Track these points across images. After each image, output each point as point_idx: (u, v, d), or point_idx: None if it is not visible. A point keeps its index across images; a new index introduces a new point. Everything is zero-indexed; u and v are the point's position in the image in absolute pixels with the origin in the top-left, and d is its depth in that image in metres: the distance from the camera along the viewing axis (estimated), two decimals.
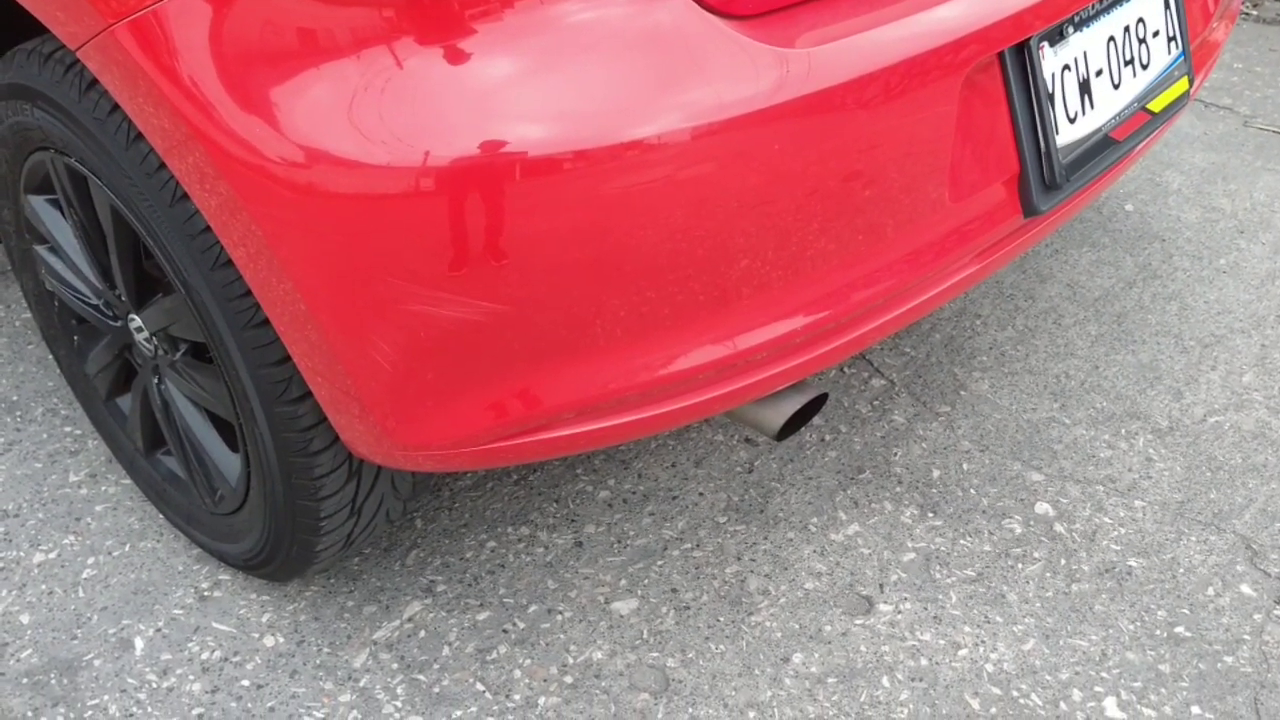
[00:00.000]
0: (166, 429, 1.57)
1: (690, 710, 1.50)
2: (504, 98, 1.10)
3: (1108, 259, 2.35)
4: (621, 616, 1.62)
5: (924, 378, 2.04)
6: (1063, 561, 1.70)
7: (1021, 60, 1.35)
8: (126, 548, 1.71)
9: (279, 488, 1.36)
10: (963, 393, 2.01)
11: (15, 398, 1.98)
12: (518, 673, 1.54)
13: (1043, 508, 1.79)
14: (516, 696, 1.51)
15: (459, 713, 1.49)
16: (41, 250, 1.60)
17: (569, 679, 1.54)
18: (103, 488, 1.81)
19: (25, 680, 1.53)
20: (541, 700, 1.51)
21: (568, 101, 1.12)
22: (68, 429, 1.92)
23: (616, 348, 1.23)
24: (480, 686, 1.53)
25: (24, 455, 1.87)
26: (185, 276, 1.26)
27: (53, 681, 1.53)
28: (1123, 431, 1.93)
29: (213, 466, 1.52)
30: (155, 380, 1.55)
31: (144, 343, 1.51)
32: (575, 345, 1.21)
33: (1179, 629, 1.61)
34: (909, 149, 1.27)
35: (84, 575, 1.67)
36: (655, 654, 1.57)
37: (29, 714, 1.49)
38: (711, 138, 1.14)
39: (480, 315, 1.14)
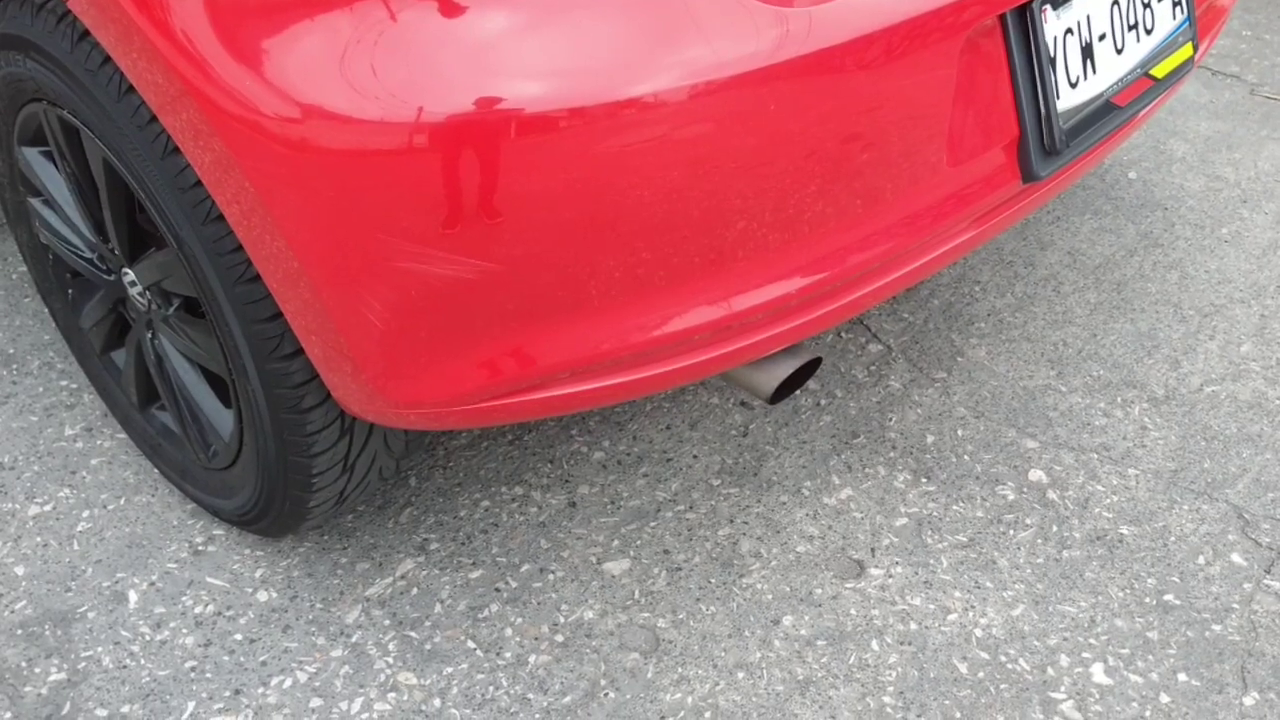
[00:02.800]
0: (160, 384, 1.57)
1: (680, 670, 1.51)
2: (500, 53, 1.09)
3: (1109, 226, 2.33)
4: (613, 577, 1.63)
5: (921, 343, 2.04)
6: (1054, 528, 1.71)
7: (1023, 22, 1.34)
8: (121, 501, 1.72)
9: (271, 444, 1.36)
10: (959, 359, 2.00)
11: (11, 351, 1.98)
12: (509, 631, 1.55)
13: (1036, 475, 1.79)
14: (507, 654, 1.52)
15: (450, 669, 1.50)
16: (36, 203, 1.60)
17: (560, 638, 1.54)
18: (98, 441, 1.81)
19: (20, 631, 1.54)
20: (532, 658, 1.52)
21: (564, 58, 1.10)
22: (64, 383, 1.92)
23: (611, 308, 1.22)
24: (471, 644, 1.54)
25: (20, 408, 1.87)
26: (177, 231, 1.25)
27: (47, 633, 1.54)
28: (1119, 400, 1.93)
29: (206, 422, 1.52)
30: (149, 335, 1.54)
31: (138, 297, 1.50)
32: (569, 305, 1.21)
33: (1168, 597, 1.62)
34: (908, 111, 1.26)
35: (79, 528, 1.68)
36: (646, 614, 1.58)
37: (23, 665, 1.50)
38: (709, 97, 1.13)
39: (473, 273, 1.14)
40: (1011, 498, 1.76)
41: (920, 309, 2.11)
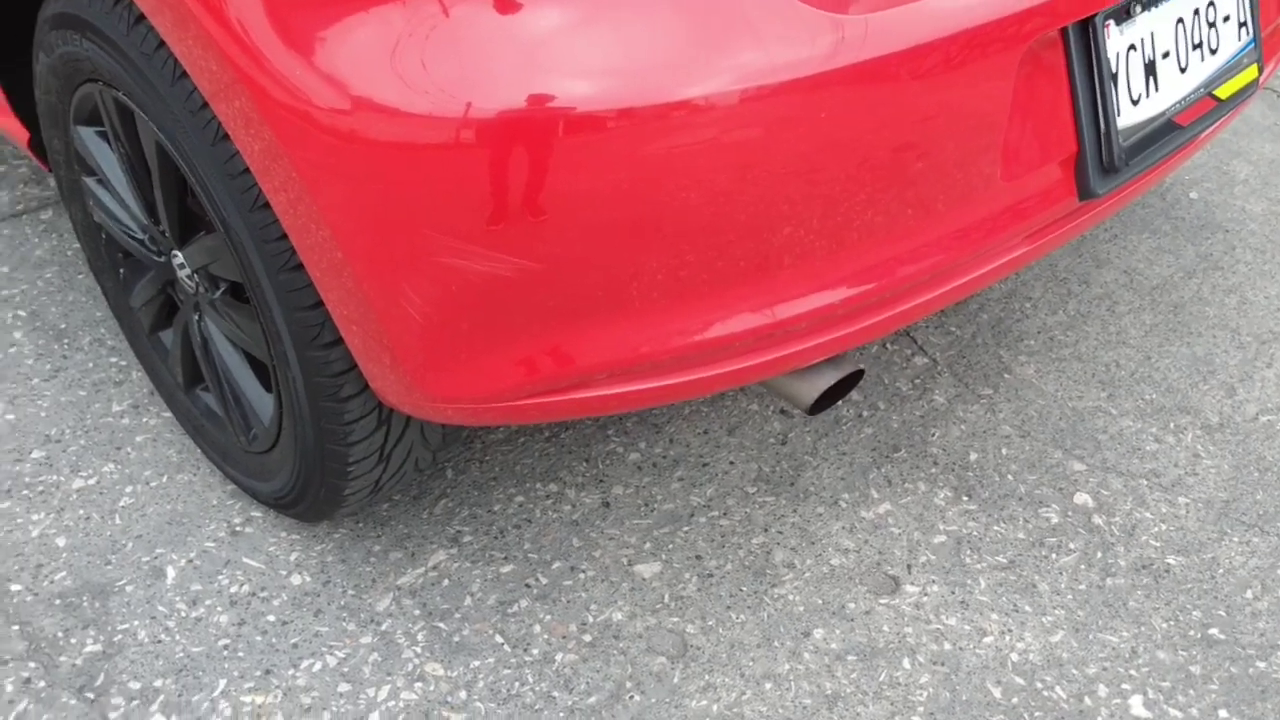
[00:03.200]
0: (205, 366, 1.58)
1: (706, 677, 1.50)
2: (552, 51, 1.09)
3: (1168, 247, 2.28)
4: (644, 579, 1.62)
5: (968, 358, 2.00)
6: (1099, 555, 1.67)
7: (1086, 37, 1.31)
8: (164, 479, 1.74)
9: (309, 431, 1.37)
10: (1007, 376, 1.97)
11: (64, 325, 2.01)
12: (537, 628, 1.55)
13: (1082, 498, 1.76)
14: (534, 651, 1.52)
15: (477, 663, 1.50)
16: (90, 182, 1.62)
17: (587, 637, 1.54)
18: (144, 419, 1.83)
19: (58, 602, 1.56)
20: (559, 656, 1.51)
21: (617, 57, 1.10)
22: (113, 359, 1.94)
23: (652, 310, 1.22)
24: (499, 639, 1.53)
25: (69, 383, 1.90)
26: (224, 216, 1.26)
27: (85, 604, 1.56)
28: (1171, 425, 1.88)
29: (248, 405, 1.53)
30: (196, 317, 1.56)
31: (186, 279, 1.52)
32: (610, 306, 1.20)
33: (1213, 630, 1.57)
34: (963, 123, 1.24)
35: (121, 503, 1.70)
36: (675, 619, 1.57)
37: (60, 635, 1.52)
38: (761, 101, 1.12)
39: (515, 271, 1.13)
40: (1055, 521, 1.72)
41: (969, 323, 2.08)
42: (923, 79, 1.19)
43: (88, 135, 1.55)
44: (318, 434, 1.36)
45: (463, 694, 1.47)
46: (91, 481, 1.74)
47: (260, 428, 1.52)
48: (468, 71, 1.07)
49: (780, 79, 1.13)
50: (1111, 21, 1.33)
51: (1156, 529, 1.71)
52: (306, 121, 1.08)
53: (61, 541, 1.65)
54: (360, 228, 1.12)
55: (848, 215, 1.23)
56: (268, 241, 1.23)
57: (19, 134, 1.79)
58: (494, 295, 1.16)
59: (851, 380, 1.38)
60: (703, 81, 1.10)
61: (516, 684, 1.48)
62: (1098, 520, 1.72)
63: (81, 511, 1.69)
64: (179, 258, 1.50)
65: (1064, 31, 1.29)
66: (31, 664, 1.49)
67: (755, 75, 1.11)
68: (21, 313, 2.05)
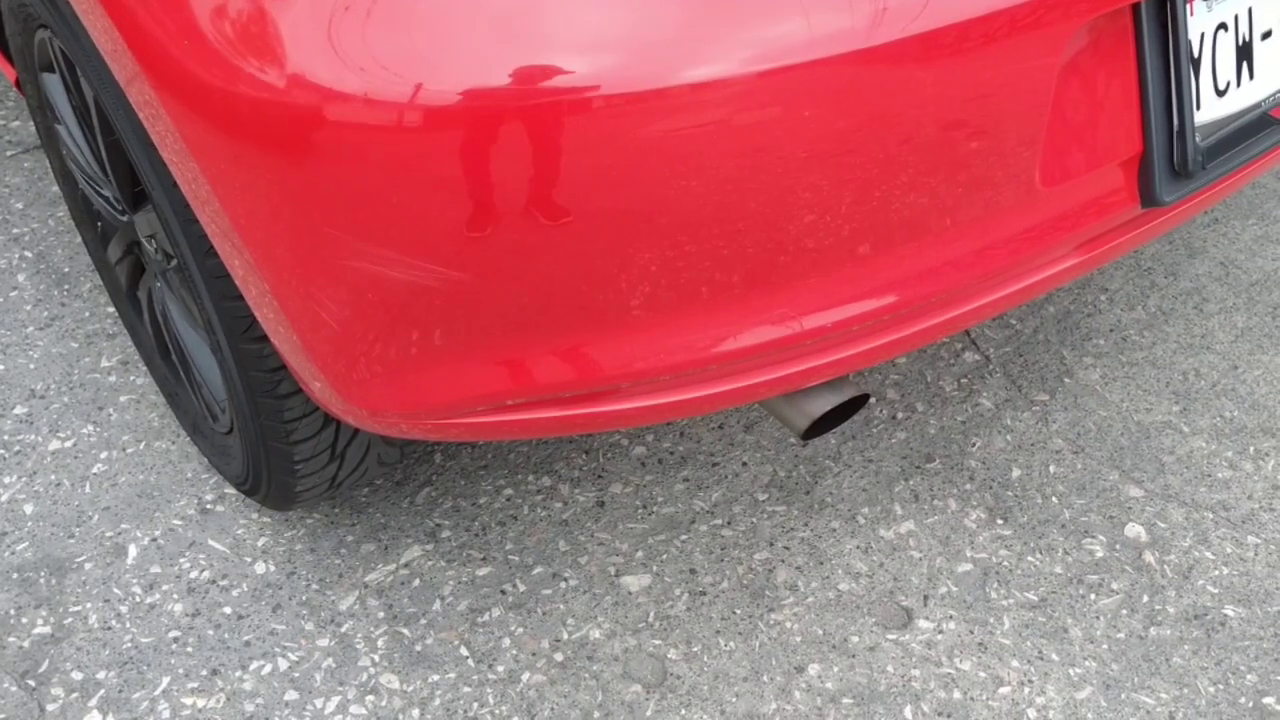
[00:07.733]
0: (167, 335, 1.48)
1: (683, 711, 1.36)
2: (536, 21, 0.93)
3: (1276, 237, 2.02)
4: (630, 594, 1.48)
5: (1025, 357, 1.79)
6: (1145, 598, 1.48)
7: (1162, 14, 1.08)
8: (141, 446, 1.65)
9: (250, 425, 1.25)
10: (1067, 380, 1.76)
11: (67, 269, 1.93)
12: (507, 641, 1.43)
13: (1134, 530, 1.56)
14: (500, 668, 1.40)
15: (436, 677, 1.39)
16: (61, 130, 1.51)
17: (559, 656, 1.41)
18: (131, 377, 1.75)
19: (15, 575, 1.49)
20: (525, 676, 1.39)
21: (611, 28, 0.93)
22: (110, 309, 1.86)
23: (644, 325, 1.06)
24: (464, 651, 1.42)
25: (63, 333, 1.82)
26: (150, 187, 1.13)
27: (41, 581, 1.49)
28: (1251, 450, 1.66)
29: (206, 384, 1.42)
30: (159, 284, 1.45)
31: (147, 243, 1.41)
32: (594, 318, 1.05)
33: (1268, 700, 1.38)
34: (1003, 116, 1.04)
35: (94, 470, 1.62)
36: (658, 641, 1.43)
37: (12, 613, 1.45)
38: (776, 81, 0.95)
39: (439, 282, 0.98)
40: (1100, 555, 1.53)
41: (1031, 316, 1.86)
42: (950, 62, 0.99)
43: (51, 82, 1.43)
44: (259, 430, 1.24)
45: (415, 712, 1.36)
46: (69, 444, 1.66)
47: (218, 409, 1.41)
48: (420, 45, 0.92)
49: (780, 63, 0.95)
50: None
51: (1217, 572, 1.51)
52: (188, 86, 0.93)
53: (29, 509, 1.58)
54: (258, 225, 0.97)
55: (862, 225, 1.05)
56: (190, 221, 1.10)
57: (8, 72, 1.68)
58: (425, 304, 1.01)
59: (854, 406, 1.20)
60: (718, 59, 0.93)
61: (475, 705, 1.36)
62: (1149, 557, 1.52)
63: (54, 477, 1.61)
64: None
65: (1135, 9, 1.07)
66: None
67: (762, 58, 0.94)
68: (28, 254, 1.97)
